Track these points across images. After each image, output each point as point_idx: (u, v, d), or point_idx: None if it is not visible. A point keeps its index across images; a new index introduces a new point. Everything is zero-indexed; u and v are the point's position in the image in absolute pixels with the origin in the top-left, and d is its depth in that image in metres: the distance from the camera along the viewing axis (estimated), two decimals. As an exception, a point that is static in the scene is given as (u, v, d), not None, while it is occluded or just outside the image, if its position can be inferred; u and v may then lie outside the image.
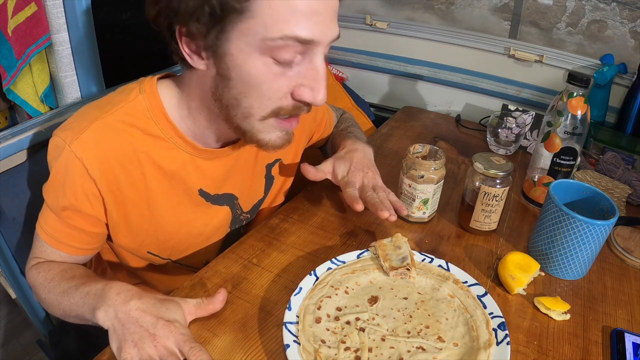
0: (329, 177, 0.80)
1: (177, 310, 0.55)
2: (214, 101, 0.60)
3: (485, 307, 0.59)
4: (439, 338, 0.55)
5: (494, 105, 1.28)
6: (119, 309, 0.52)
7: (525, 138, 1.10)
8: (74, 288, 0.59)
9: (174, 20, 0.54)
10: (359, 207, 0.71)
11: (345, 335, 0.54)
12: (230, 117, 0.60)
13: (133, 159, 0.63)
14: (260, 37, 0.52)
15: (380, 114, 1.49)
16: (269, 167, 0.81)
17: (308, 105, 0.59)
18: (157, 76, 0.66)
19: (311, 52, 0.55)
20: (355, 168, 0.78)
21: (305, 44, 0.53)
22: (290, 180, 0.87)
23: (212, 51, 0.55)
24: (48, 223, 0.65)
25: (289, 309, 0.57)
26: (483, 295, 0.60)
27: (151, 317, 0.52)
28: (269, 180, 0.82)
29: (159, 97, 0.64)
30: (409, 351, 0.53)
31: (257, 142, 0.62)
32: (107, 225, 0.67)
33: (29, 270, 0.67)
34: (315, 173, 0.78)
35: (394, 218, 0.70)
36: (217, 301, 0.58)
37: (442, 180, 0.78)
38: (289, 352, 0.52)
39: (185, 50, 0.56)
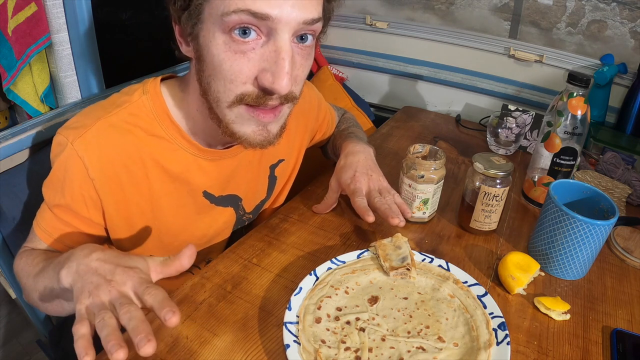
0: (339, 192, 0.80)
1: (140, 261, 0.50)
2: (199, 89, 0.59)
3: (485, 307, 0.59)
4: (439, 338, 0.55)
5: (494, 105, 1.28)
6: (80, 262, 0.48)
7: (525, 138, 1.10)
8: (49, 265, 0.56)
9: (169, 8, 0.56)
10: (370, 218, 0.70)
11: (345, 335, 0.54)
12: (209, 106, 0.59)
13: (136, 159, 0.63)
14: (219, 14, 0.51)
15: (380, 114, 1.49)
16: (272, 167, 0.81)
17: (272, 93, 0.55)
18: (161, 77, 0.66)
19: (275, 33, 0.52)
20: (360, 173, 0.77)
21: (262, 19, 0.50)
22: (292, 180, 0.87)
23: (192, 36, 0.55)
24: (44, 219, 0.64)
25: (289, 309, 0.57)
26: (483, 295, 0.60)
27: (110, 265, 0.47)
28: (272, 180, 0.82)
29: (162, 97, 0.64)
30: (409, 351, 0.53)
31: (232, 136, 0.60)
32: (105, 229, 0.66)
33: (15, 259, 0.65)
34: (326, 208, 0.80)
35: (403, 224, 0.70)
36: (184, 256, 0.50)
37: (442, 180, 0.78)
38: (289, 352, 0.52)
39: (177, 38, 0.58)
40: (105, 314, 0.42)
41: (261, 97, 0.55)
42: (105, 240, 0.70)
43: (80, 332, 0.41)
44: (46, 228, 0.64)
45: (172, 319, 0.42)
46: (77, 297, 0.45)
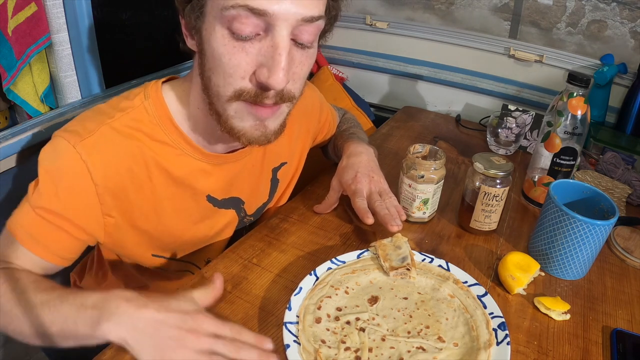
0: (340, 192, 0.80)
1: (191, 301, 0.53)
2: (201, 83, 0.59)
3: (485, 307, 0.59)
4: (439, 338, 0.55)
5: (494, 105, 1.28)
6: (132, 316, 0.48)
7: (525, 138, 1.10)
8: (58, 299, 0.52)
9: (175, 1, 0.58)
10: (370, 220, 0.71)
11: (345, 335, 0.54)
12: (210, 100, 0.59)
13: (140, 162, 0.62)
14: (219, 8, 0.52)
15: (380, 114, 1.49)
16: (275, 170, 0.81)
17: (268, 90, 0.55)
18: (162, 80, 0.66)
19: (272, 29, 0.52)
20: (362, 174, 0.77)
21: (260, 15, 0.50)
22: (293, 183, 0.87)
23: (196, 30, 0.56)
24: (28, 222, 0.58)
25: (289, 309, 0.57)
26: (483, 295, 0.60)
27: (175, 313, 0.49)
28: (274, 183, 0.82)
29: (164, 102, 0.63)
30: (409, 351, 0.53)
31: (230, 131, 0.59)
32: (104, 234, 0.64)
33: None
34: (327, 207, 0.80)
35: (400, 229, 0.70)
36: (217, 287, 0.56)
37: (442, 180, 0.78)
38: (289, 352, 0.52)
39: (183, 31, 0.59)
40: None
41: (259, 95, 0.55)
42: (90, 248, 0.67)
43: None
44: (31, 231, 0.58)
45: (271, 350, 0.50)
46: (162, 356, 0.46)
